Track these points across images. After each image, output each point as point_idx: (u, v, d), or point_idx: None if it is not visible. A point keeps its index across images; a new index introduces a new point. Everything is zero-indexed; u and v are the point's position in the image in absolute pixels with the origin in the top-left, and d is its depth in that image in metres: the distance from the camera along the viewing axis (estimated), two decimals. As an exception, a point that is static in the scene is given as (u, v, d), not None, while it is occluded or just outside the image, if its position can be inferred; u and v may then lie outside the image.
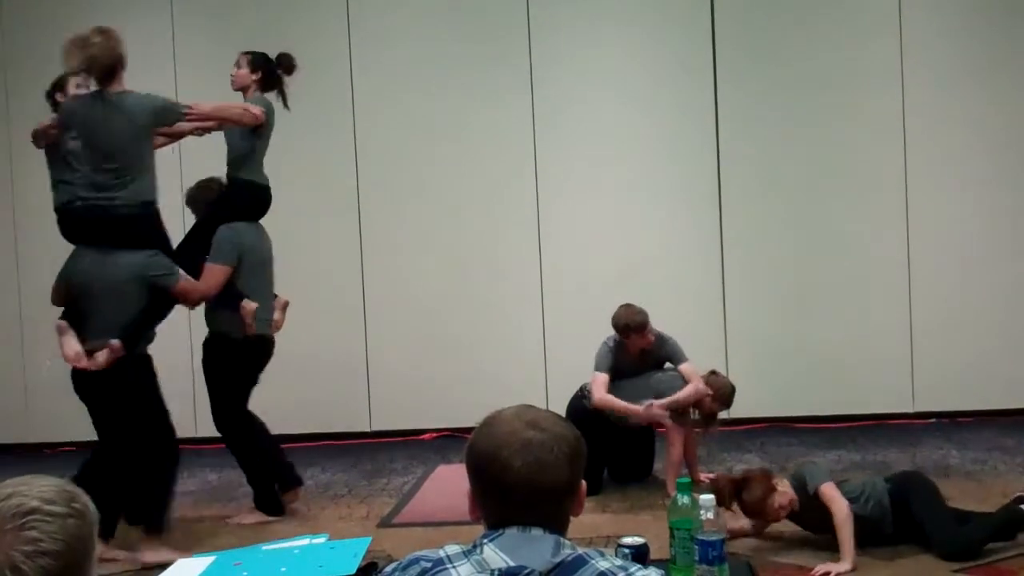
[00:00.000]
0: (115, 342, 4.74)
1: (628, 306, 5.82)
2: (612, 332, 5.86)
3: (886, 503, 4.61)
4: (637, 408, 5.64)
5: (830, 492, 4.47)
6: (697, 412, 5.81)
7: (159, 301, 4.94)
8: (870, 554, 4.53)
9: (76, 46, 4.75)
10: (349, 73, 7.59)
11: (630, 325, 5.76)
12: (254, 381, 5.56)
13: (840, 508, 4.40)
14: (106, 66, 4.76)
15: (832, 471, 4.69)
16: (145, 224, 4.87)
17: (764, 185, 7.39)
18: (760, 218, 7.39)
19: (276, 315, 5.61)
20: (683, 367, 5.80)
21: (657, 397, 5.69)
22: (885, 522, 4.59)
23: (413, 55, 7.59)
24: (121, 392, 4.82)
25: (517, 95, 7.51)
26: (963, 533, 4.50)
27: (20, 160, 7.60)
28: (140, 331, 4.90)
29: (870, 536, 4.55)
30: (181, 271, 5.02)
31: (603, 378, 5.75)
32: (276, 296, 5.66)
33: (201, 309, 5.53)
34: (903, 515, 4.61)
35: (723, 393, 5.78)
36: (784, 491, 4.61)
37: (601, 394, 5.70)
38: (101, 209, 4.80)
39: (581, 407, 5.85)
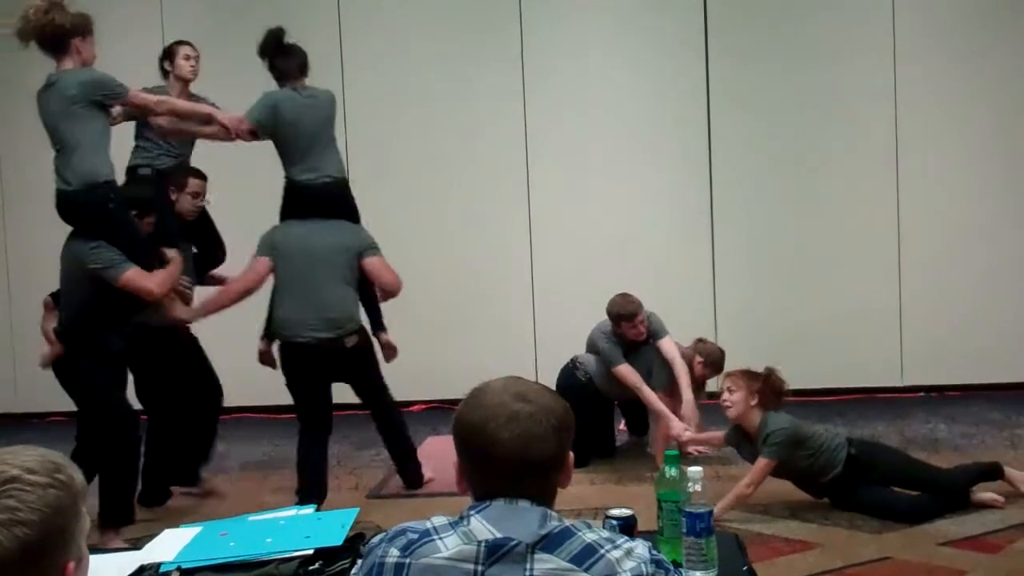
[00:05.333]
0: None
1: (624, 295, 5.84)
2: (601, 313, 5.88)
3: (840, 458, 4.76)
4: (674, 419, 5.62)
5: (758, 468, 4.76)
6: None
7: (106, 293, 4.66)
8: (858, 528, 4.57)
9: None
10: (339, 41, 7.53)
11: (622, 314, 5.78)
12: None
13: (745, 488, 4.73)
14: (49, 37, 4.61)
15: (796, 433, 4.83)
16: (91, 208, 4.60)
17: (755, 159, 7.36)
18: (750, 192, 7.37)
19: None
20: (662, 342, 5.81)
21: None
22: (829, 474, 4.76)
23: (401, 22, 7.54)
24: (74, 381, 4.80)
25: (507, 64, 7.47)
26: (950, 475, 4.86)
27: (5, 138, 7.57)
28: (85, 322, 4.70)
29: (808, 481, 4.84)
30: (130, 263, 4.63)
31: (628, 368, 5.78)
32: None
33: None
34: (861, 477, 4.74)
35: (713, 359, 5.81)
36: (736, 390, 4.90)
37: (647, 391, 5.72)
38: (57, 193, 4.67)
39: (573, 379, 5.86)
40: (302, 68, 5.19)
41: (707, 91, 7.38)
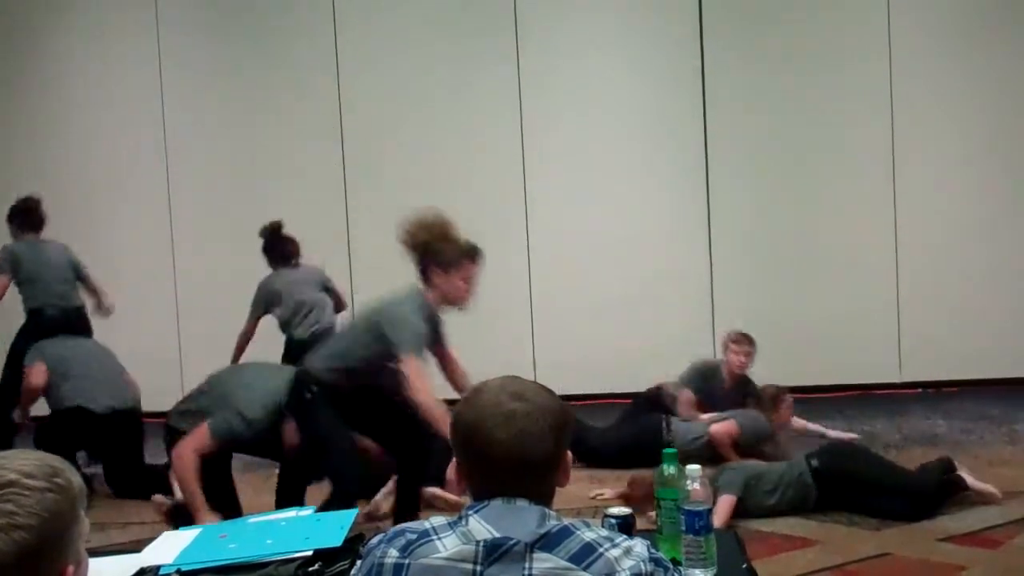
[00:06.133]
0: None
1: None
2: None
3: (808, 481, 4.75)
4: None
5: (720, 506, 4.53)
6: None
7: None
8: (857, 524, 4.57)
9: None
10: (334, 41, 7.53)
11: (733, 338, 5.98)
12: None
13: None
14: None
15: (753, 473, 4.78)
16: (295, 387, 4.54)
17: (751, 159, 7.37)
18: (747, 191, 7.38)
19: None
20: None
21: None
22: (808, 499, 4.74)
23: (397, 23, 7.54)
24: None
25: (503, 65, 7.47)
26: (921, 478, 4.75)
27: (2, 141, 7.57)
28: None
29: (792, 513, 4.72)
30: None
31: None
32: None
33: None
34: (840, 485, 4.72)
35: (777, 399, 5.76)
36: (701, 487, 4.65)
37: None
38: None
39: (659, 437, 5.51)
40: (295, 252, 6.23)
41: (703, 92, 7.38)
